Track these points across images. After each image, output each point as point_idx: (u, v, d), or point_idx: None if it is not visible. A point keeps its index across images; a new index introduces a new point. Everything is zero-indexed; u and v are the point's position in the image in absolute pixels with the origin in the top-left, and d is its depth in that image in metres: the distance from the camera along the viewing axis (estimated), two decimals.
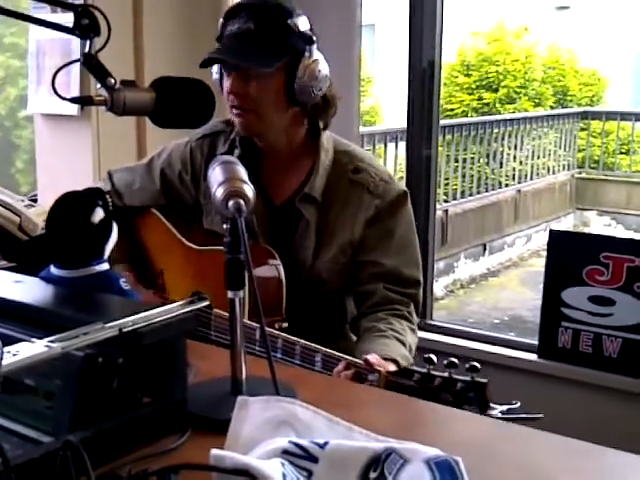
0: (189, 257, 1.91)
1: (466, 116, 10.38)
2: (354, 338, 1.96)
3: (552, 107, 11.08)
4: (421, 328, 2.93)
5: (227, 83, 1.80)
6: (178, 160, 1.99)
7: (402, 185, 1.96)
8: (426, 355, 1.45)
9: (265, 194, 1.89)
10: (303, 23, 1.77)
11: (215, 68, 1.86)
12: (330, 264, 1.86)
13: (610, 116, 10.22)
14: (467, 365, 1.40)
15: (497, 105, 10.75)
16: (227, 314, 1.62)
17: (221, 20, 1.82)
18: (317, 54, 1.78)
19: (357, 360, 1.57)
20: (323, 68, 1.79)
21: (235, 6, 1.82)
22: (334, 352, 1.61)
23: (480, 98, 10.84)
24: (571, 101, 11.41)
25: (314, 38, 1.78)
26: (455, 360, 1.42)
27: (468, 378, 1.40)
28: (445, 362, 1.42)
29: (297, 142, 1.88)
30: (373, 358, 1.54)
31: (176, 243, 1.95)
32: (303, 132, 1.88)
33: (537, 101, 11.05)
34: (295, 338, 1.65)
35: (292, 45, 1.75)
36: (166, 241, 1.98)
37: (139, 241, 2.04)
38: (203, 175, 1.92)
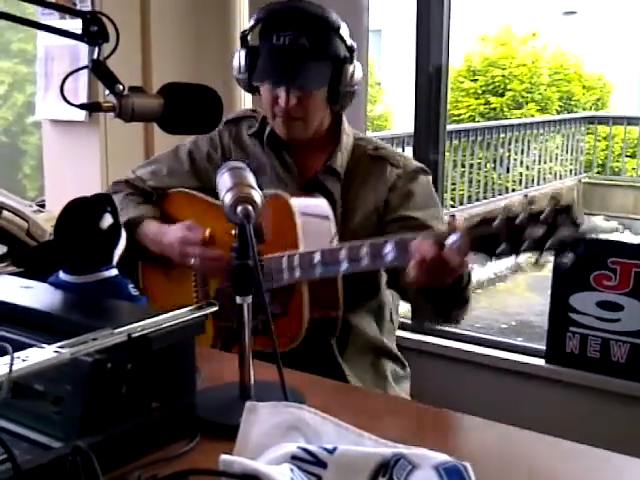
0: None
1: (473, 121, 10.37)
2: (387, 316, 1.99)
3: (558, 112, 11.07)
4: (428, 333, 2.93)
5: (273, 93, 1.83)
6: (205, 142, 2.02)
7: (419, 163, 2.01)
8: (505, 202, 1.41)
9: (294, 169, 1.93)
10: (346, 31, 1.84)
11: (240, 62, 1.88)
12: (356, 232, 1.84)
13: (617, 121, 10.21)
14: (547, 198, 1.35)
15: (504, 109, 10.74)
16: (280, 254, 1.68)
17: (253, 22, 1.85)
18: (355, 59, 1.87)
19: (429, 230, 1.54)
20: (359, 71, 1.88)
21: (281, 13, 1.82)
22: (403, 236, 1.56)
23: (487, 102, 10.83)
24: (575, 105, 11.40)
25: (355, 46, 1.85)
26: (532, 195, 1.38)
27: (550, 206, 1.35)
28: (523, 200, 1.38)
29: (321, 132, 1.93)
30: (458, 218, 1.48)
31: (212, 210, 1.89)
32: (328, 122, 1.94)
33: (543, 105, 11.04)
34: (360, 241, 1.62)
35: (341, 56, 1.83)
36: (199, 213, 1.94)
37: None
38: (231, 153, 1.98)
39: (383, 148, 1.97)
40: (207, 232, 1.84)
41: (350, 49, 1.84)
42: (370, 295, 1.97)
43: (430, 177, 1.97)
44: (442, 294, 1.62)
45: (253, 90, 1.92)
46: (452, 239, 1.43)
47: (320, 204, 1.83)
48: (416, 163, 1.97)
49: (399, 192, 1.89)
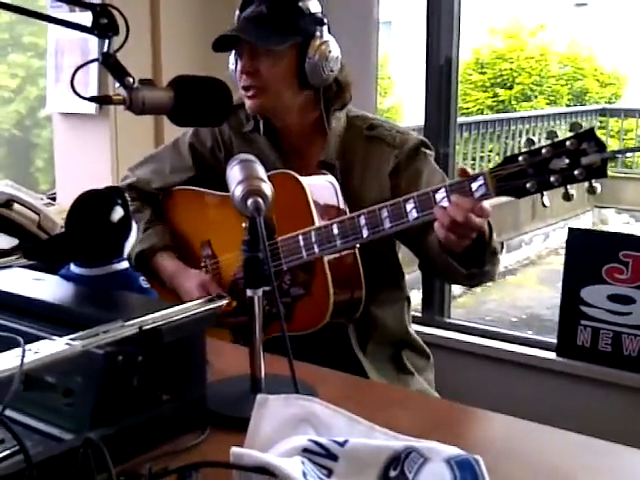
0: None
1: (482, 114, 10.34)
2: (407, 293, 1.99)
3: (568, 105, 11.03)
4: (439, 326, 2.93)
5: (240, 64, 1.84)
6: (208, 136, 2.00)
7: (419, 136, 1.96)
8: (525, 139, 1.42)
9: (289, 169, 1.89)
10: (314, 5, 1.82)
11: (231, 59, 1.90)
12: None
13: (629, 113, 10.15)
14: (569, 127, 1.36)
15: (512, 102, 10.70)
16: (292, 234, 1.69)
17: (237, 12, 1.85)
18: (328, 36, 1.82)
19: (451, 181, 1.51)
20: (334, 49, 1.82)
21: None
22: (425, 190, 1.54)
23: (495, 95, 10.79)
24: (588, 101, 11.34)
25: (325, 20, 1.81)
26: (553, 130, 1.38)
27: (573, 133, 1.36)
28: (545, 135, 1.39)
29: (309, 123, 1.89)
30: (463, 169, 1.49)
31: (218, 202, 1.91)
32: (315, 115, 1.89)
33: (552, 99, 10.99)
34: (377, 206, 1.61)
35: (303, 27, 1.79)
36: (206, 207, 1.96)
37: (172, 224, 2.02)
38: (233, 146, 1.96)
39: (378, 126, 1.91)
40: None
41: (319, 22, 1.80)
42: (393, 284, 1.97)
43: (429, 148, 1.91)
44: (469, 253, 1.60)
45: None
46: (477, 184, 1.43)
47: (324, 178, 1.83)
48: (414, 138, 1.90)
49: (406, 174, 1.85)
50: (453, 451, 0.91)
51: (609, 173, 1.37)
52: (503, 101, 10.81)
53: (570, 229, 2.66)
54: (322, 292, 1.72)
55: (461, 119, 8.28)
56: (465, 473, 0.88)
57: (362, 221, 1.63)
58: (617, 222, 9.57)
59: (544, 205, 1.42)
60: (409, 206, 1.56)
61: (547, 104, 10.90)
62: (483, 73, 11.08)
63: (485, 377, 2.73)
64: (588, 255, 2.53)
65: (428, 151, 1.91)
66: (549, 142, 1.38)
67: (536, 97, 10.90)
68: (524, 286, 7.40)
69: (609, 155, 1.35)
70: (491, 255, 1.68)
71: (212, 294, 1.81)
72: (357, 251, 1.75)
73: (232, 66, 1.89)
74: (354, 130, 1.91)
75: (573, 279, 2.56)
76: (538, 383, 2.63)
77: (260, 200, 1.21)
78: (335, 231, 1.66)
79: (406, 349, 1.96)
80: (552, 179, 1.38)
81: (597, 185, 1.38)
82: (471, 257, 1.63)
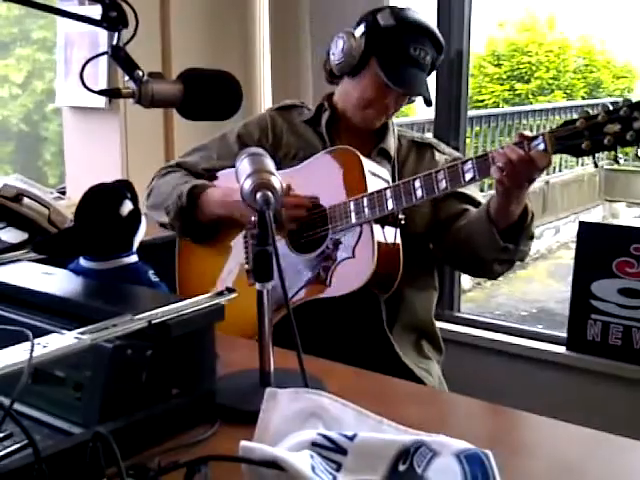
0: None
1: (497, 107, 10.29)
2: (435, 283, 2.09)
3: (583, 98, 10.98)
4: (449, 320, 2.93)
5: (383, 92, 1.91)
6: (256, 128, 2.07)
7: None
8: (581, 110, 1.55)
9: None
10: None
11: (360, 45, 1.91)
12: (412, 210, 1.87)
13: None
14: (622, 100, 1.49)
15: (530, 97, 10.64)
16: (343, 200, 1.80)
17: (393, 22, 1.89)
18: None
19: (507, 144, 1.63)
20: None
21: (418, 26, 1.90)
22: (483, 152, 1.66)
23: (512, 89, 10.73)
24: (602, 92, 11.27)
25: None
26: (607, 104, 1.51)
27: (626, 104, 1.48)
28: (599, 109, 1.52)
29: None
30: (522, 133, 1.61)
31: None
32: None
33: (569, 92, 10.93)
34: (433, 169, 1.73)
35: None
36: None
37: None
38: (283, 135, 2.04)
39: (427, 138, 2.11)
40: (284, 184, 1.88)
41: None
42: (427, 270, 2.05)
43: None
44: (510, 230, 1.73)
45: (336, 77, 1.98)
46: (537, 140, 1.57)
47: (382, 167, 1.91)
48: (457, 153, 2.09)
49: None
50: (463, 445, 0.91)
51: (619, 167, 1.42)
52: (520, 94, 10.75)
53: (581, 223, 2.65)
54: (366, 255, 1.76)
55: (472, 112, 8.24)
56: (475, 467, 0.87)
57: (417, 183, 1.73)
58: (628, 216, 9.52)
59: (596, 165, 1.61)
60: (466, 167, 1.67)
61: (563, 98, 10.84)
62: (499, 65, 11.01)
63: (495, 371, 2.72)
64: (599, 249, 2.52)
65: None
66: (605, 109, 1.50)
67: (553, 91, 10.82)
68: (534, 280, 7.37)
69: None
70: (527, 238, 1.80)
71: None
72: (399, 231, 1.81)
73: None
74: (404, 136, 2.07)
75: (584, 273, 2.55)
76: (548, 377, 2.62)
77: (269, 193, 1.21)
78: (388, 194, 1.75)
79: (425, 339, 2.02)
80: (606, 140, 1.49)
81: None
82: (510, 234, 1.75)
